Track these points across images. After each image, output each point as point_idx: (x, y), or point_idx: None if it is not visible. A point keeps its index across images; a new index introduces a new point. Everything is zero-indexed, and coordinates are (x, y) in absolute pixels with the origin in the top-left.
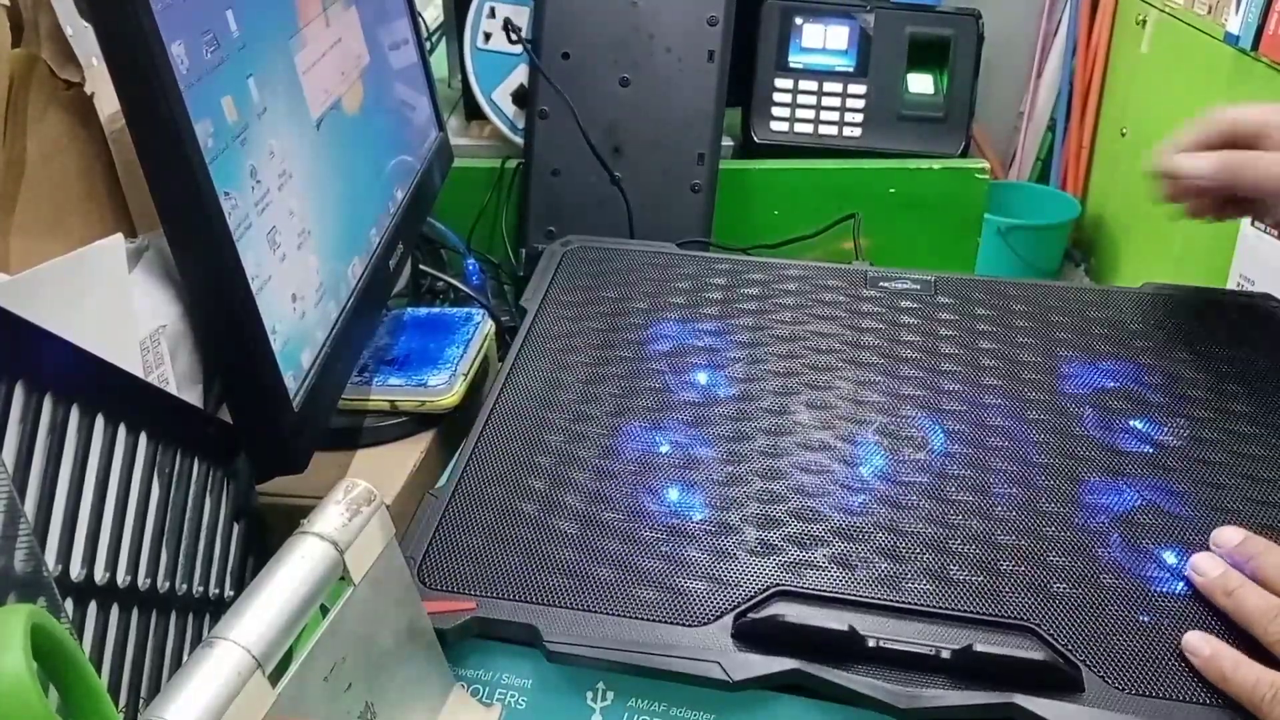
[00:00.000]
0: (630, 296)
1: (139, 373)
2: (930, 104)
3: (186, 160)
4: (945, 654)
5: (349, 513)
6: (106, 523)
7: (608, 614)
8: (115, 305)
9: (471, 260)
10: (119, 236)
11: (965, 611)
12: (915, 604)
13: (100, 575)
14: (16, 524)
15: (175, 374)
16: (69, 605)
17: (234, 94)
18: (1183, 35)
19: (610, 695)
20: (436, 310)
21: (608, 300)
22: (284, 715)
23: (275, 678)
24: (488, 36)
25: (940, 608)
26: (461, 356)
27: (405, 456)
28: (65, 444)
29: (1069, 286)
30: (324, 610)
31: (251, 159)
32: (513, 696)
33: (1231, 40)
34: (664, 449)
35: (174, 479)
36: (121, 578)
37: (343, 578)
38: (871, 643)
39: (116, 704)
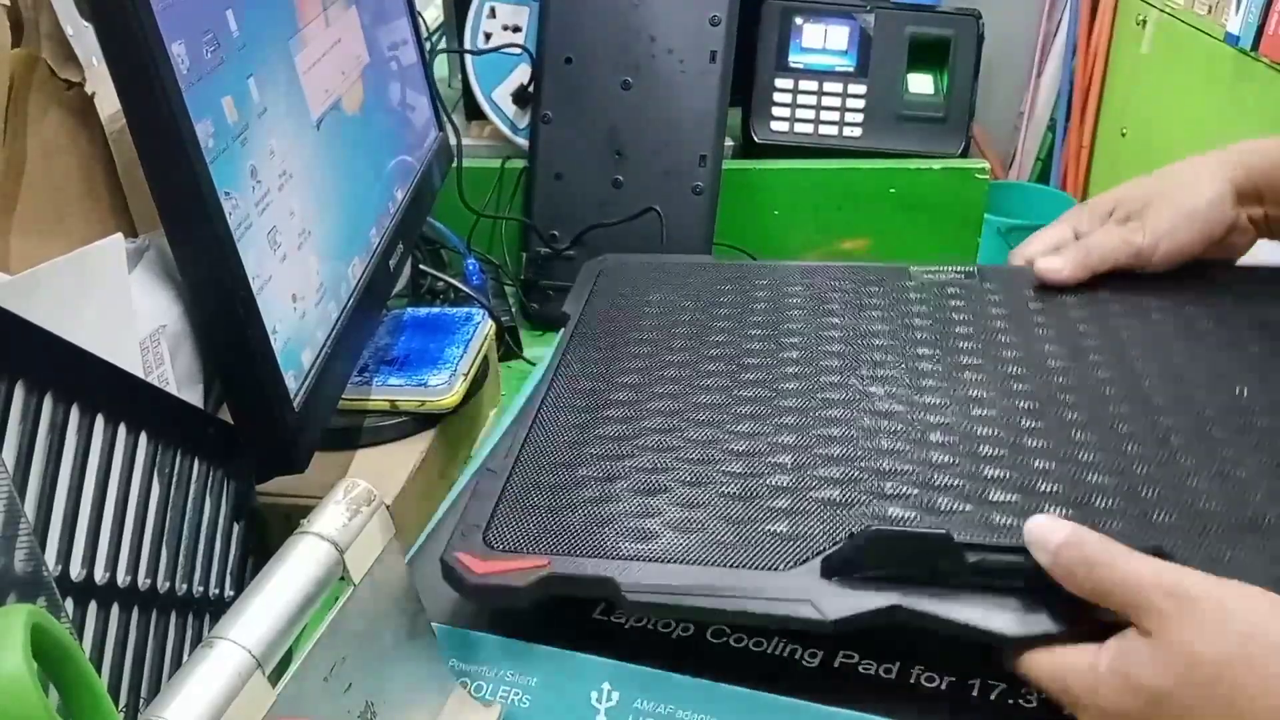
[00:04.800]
0: (676, 300)
1: (139, 373)
2: (930, 104)
3: (187, 160)
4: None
5: (349, 513)
6: (106, 523)
7: (686, 563)
8: (115, 305)
9: (471, 260)
10: (119, 236)
11: None
12: (1008, 543)
13: (100, 575)
14: (16, 524)
15: (175, 374)
16: (69, 605)
17: (234, 94)
18: (1183, 35)
19: (615, 696)
20: (436, 310)
21: (653, 303)
22: (284, 715)
23: (275, 678)
24: (488, 36)
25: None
26: (461, 356)
27: (405, 456)
28: (65, 444)
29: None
30: (324, 610)
31: (252, 159)
32: (516, 695)
33: (1232, 40)
34: (728, 424)
35: (174, 479)
36: (121, 578)
37: (343, 578)
38: (973, 557)
39: (116, 704)
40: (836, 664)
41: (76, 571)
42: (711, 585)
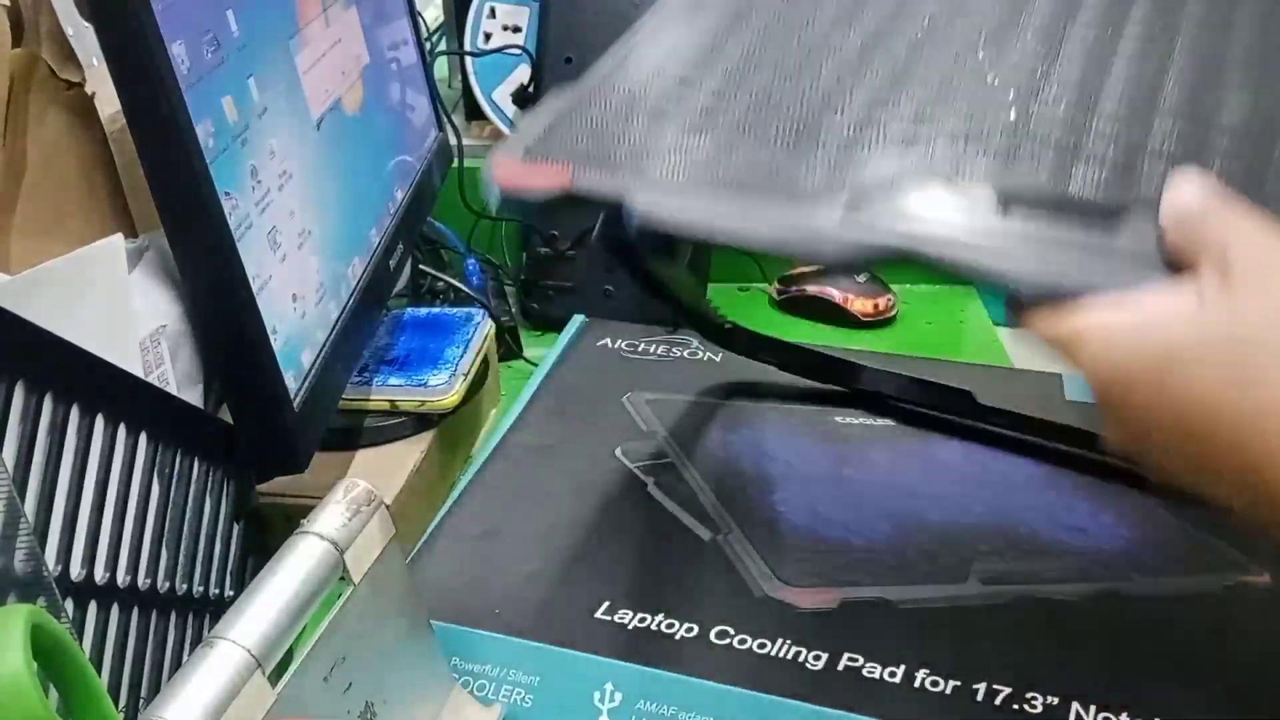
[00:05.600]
0: None
1: (139, 373)
2: None
3: (187, 160)
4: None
5: (349, 513)
6: (106, 523)
7: (707, 187)
8: (115, 305)
9: (472, 260)
10: (119, 236)
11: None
12: (1080, 195)
13: (100, 575)
14: (16, 524)
15: (175, 374)
16: (69, 605)
17: (234, 94)
18: None
19: (618, 696)
20: (436, 310)
21: None
22: (284, 715)
23: (275, 678)
24: (488, 37)
25: (1110, 200)
26: (461, 356)
27: (405, 456)
28: (65, 444)
29: None
30: (324, 610)
31: (252, 159)
32: (519, 693)
33: None
34: (809, 68)
35: (174, 479)
36: (121, 578)
37: (343, 578)
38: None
39: (116, 704)
40: (841, 667)
41: (76, 571)
42: (724, 210)
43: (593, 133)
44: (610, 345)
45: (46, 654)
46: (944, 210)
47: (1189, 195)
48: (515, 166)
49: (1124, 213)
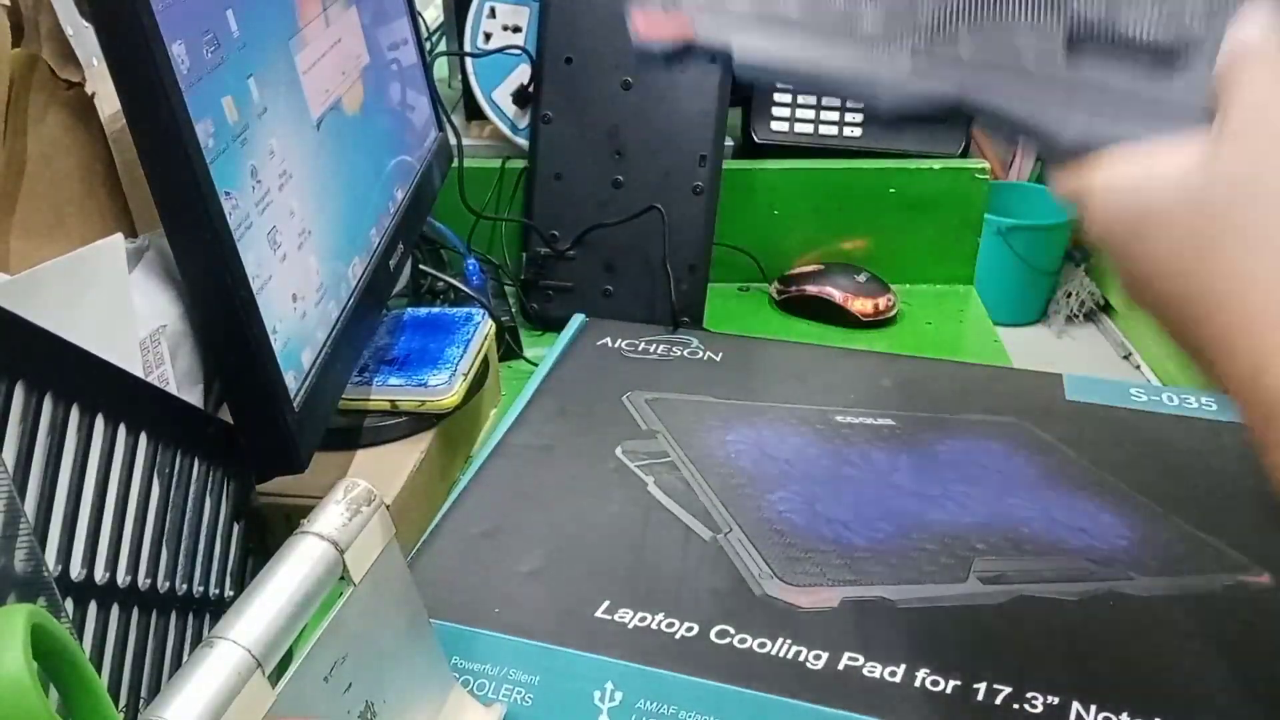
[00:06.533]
0: None
1: (139, 373)
2: None
3: (187, 160)
4: None
5: (349, 513)
6: (106, 523)
7: (799, 37)
8: (115, 305)
9: (472, 260)
10: (119, 236)
11: None
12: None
13: (100, 575)
14: (16, 524)
15: (175, 374)
16: (69, 605)
17: (234, 94)
18: None
19: (619, 696)
20: (436, 310)
21: None
22: (284, 715)
23: (275, 678)
24: (488, 37)
25: (1174, 40)
26: (461, 356)
27: (405, 456)
28: (65, 444)
29: None
30: (324, 610)
31: (252, 159)
32: (519, 693)
33: None
34: None
35: (174, 479)
36: (121, 578)
37: (342, 577)
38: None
39: (116, 704)
40: (841, 667)
41: (76, 571)
42: (813, 59)
43: None
44: (610, 345)
45: (46, 654)
46: (1005, 51)
47: (1247, 35)
48: (651, 18)
49: (1186, 54)
